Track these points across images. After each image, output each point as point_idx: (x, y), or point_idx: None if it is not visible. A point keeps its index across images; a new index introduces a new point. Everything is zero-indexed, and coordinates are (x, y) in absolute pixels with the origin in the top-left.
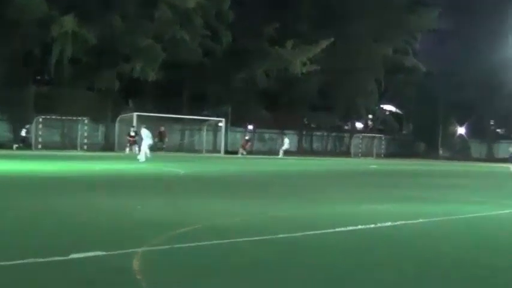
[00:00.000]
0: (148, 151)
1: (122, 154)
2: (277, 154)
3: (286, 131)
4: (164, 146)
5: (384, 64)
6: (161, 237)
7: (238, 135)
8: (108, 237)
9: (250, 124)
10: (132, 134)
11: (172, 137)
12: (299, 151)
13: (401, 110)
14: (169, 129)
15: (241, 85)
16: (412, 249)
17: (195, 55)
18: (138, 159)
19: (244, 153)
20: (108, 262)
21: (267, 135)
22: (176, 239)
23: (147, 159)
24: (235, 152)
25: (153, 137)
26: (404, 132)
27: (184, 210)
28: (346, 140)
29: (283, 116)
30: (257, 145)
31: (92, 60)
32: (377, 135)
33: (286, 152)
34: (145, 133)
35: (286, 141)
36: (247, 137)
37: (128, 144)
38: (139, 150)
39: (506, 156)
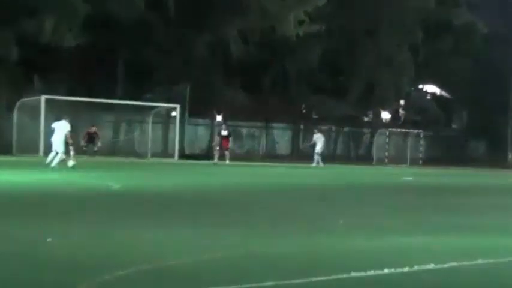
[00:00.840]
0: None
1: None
2: (258, 156)
3: (274, 124)
4: (96, 149)
5: (422, 22)
6: (84, 286)
7: (201, 130)
8: (3, 286)
9: (218, 113)
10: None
11: (101, 133)
12: (293, 154)
13: (449, 93)
14: (95, 120)
15: (205, 54)
16: None
17: (135, 8)
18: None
19: (215, 159)
20: None
21: (244, 130)
22: None
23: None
24: (198, 156)
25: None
26: (454, 126)
27: (120, 243)
28: (366, 138)
29: (270, 100)
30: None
31: None
32: (413, 130)
33: (283, 157)
34: (65, 126)
35: (319, 138)
36: (224, 132)
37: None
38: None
39: None
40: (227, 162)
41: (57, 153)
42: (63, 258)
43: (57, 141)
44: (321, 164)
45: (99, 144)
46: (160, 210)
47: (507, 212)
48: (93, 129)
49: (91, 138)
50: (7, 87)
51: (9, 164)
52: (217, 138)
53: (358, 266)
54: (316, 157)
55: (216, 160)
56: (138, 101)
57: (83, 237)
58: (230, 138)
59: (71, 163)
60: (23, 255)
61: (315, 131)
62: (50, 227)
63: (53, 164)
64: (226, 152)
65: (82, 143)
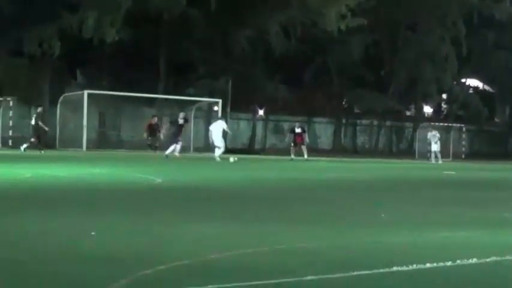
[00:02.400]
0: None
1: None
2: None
3: (315, 118)
4: (157, 145)
5: (465, 16)
6: (126, 280)
7: (243, 125)
8: (47, 279)
9: (260, 108)
10: (181, 121)
11: (142, 127)
12: (335, 148)
13: (492, 87)
14: (137, 115)
15: (246, 48)
16: None
17: (176, 3)
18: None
19: (292, 155)
20: None
21: (286, 125)
22: (148, 282)
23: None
24: (240, 151)
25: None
26: (497, 120)
27: (161, 238)
28: (409, 132)
29: (312, 95)
30: (271, 139)
31: (19, 10)
32: (455, 125)
33: (325, 151)
34: (222, 124)
35: (434, 135)
36: (298, 129)
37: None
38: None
39: None
40: (305, 157)
41: (219, 148)
42: (106, 251)
43: (217, 138)
44: (440, 161)
45: (161, 136)
46: (203, 205)
47: None
48: (155, 119)
49: (153, 130)
50: (50, 82)
51: (53, 158)
52: (290, 136)
53: (401, 260)
54: (433, 154)
55: (292, 156)
56: (180, 96)
57: (126, 232)
58: (305, 134)
59: (232, 159)
60: (67, 248)
61: (430, 128)
62: (94, 221)
63: (218, 158)
64: (303, 147)
65: (145, 136)
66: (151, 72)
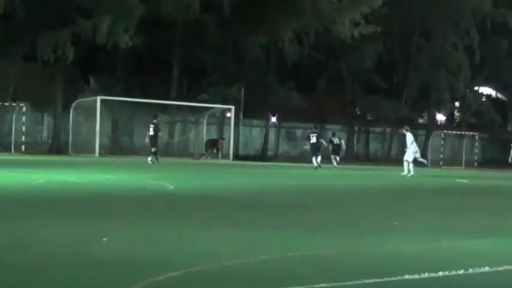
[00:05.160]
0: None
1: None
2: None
3: (328, 125)
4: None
5: (478, 23)
6: (137, 286)
7: (255, 131)
8: (59, 285)
9: (273, 114)
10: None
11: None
12: (348, 155)
13: (505, 95)
14: (150, 121)
15: (259, 55)
16: None
17: (190, 10)
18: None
19: (335, 163)
20: None
21: (299, 132)
22: None
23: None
24: (253, 157)
25: None
26: (510, 128)
27: (173, 244)
28: (421, 139)
29: (325, 102)
30: (284, 146)
31: (33, 16)
32: (468, 133)
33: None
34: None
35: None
36: (336, 139)
37: None
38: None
39: None
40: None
41: (408, 162)
42: (118, 257)
43: (410, 151)
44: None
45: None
46: (215, 212)
47: None
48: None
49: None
50: (63, 87)
51: (66, 164)
52: (330, 147)
53: (413, 269)
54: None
55: (334, 163)
56: (193, 102)
57: (138, 238)
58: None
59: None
60: (79, 254)
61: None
62: (106, 227)
63: (412, 172)
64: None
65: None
66: (164, 78)
